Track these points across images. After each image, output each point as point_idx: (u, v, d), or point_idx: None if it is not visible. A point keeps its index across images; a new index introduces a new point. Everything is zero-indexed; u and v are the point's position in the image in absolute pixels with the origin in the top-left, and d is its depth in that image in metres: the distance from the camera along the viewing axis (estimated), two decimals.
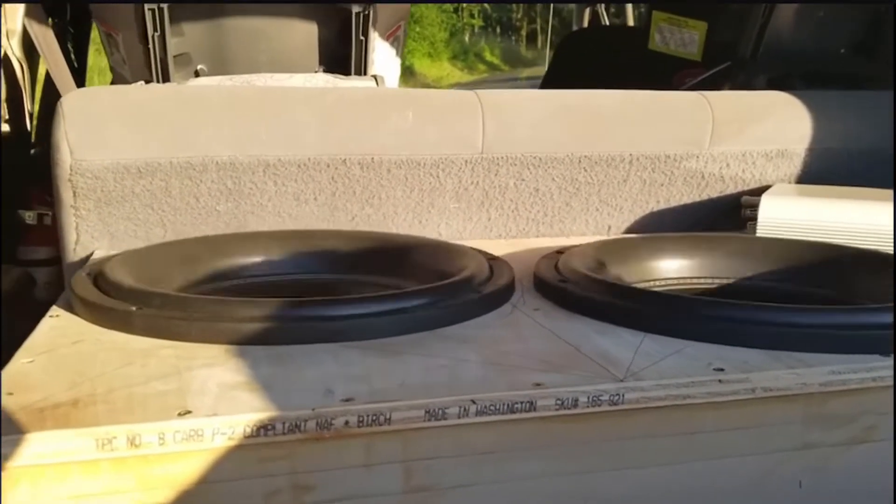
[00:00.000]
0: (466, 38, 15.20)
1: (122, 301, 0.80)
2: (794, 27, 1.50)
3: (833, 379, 0.71)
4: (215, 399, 0.63)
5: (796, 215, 1.20)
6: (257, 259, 1.08)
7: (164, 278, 0.96)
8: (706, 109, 1.34)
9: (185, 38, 1.28)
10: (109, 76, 1.48)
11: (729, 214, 1.38)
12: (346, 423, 0.62)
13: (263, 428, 0.60)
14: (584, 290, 0.87)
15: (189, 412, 0.60)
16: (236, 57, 1.30)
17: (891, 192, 1.28)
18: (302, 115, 1.16)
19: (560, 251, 1.09)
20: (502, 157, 1.25)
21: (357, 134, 1.18)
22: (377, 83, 1.35)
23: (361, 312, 0.78)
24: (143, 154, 1.09)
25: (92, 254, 1.12)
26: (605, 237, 1.34)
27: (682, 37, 1.57)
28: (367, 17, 1.29)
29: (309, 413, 0.61)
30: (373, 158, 1.19)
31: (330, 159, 1.18)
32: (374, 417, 0.62)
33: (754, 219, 1.29)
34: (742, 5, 1.49)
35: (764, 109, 1.38)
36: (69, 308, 0.85)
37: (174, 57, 1.22)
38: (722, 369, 0.70)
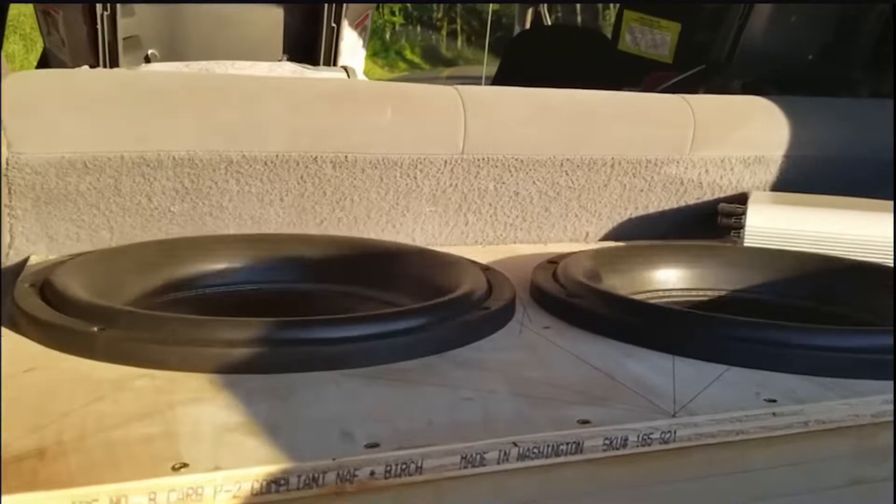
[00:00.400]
0: (387, 36, 15.05)
1: (81, 319, 0.69)
2: (768, 31, 1.48)
3: (884, 409, 0.66)
4: (213, 446, 0.53)
5: (783, 225, 1.16)
6: (222, 266, 0.97)
7: (117, 289, 0.84)
8: (688, 113, 1.29)
9: (135, 18, 1.14)
10: (26, 66, 1.32)
11: (704, 222, 1.34)
12: (372, 473, 0.52)
13: (275, 483, 0.50)
14: (603, 308, 0.79)
15: (185, 465, 0.50)
16: (192, 42, 1.18)
17: (873, 201, 1.27)
18: (271, 107, 1.05)
19: (552, 261, 1.02)
20: (483, 159, 1.16)
21: (331, 130, 1.08)
22: (348, 75, 1.25)
23: (364, 334, 0.69)
24: (91, 148, 0.96)
25: (27, 259, 0.98)
26: (582, 245, 1.28)
27: (653, 38, 1.52)
28: (339, 4, 1.19)
29: (329, 463, 0.52)
30: (346, 157, 1.09)
31: (300, 157, 1.07)
32: (405, 466, 0.53)
33: (736, 227, 1.25)
34: (719, 6, 1.46)
35: (744, 115, 1.34)
36: (13, 326, 0.73)
37: (123, 39, 1.09)
38: (774, 400, 0.64)
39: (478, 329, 0.76)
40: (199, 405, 0.58)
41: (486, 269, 0.96)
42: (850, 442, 0.66)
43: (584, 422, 0.58)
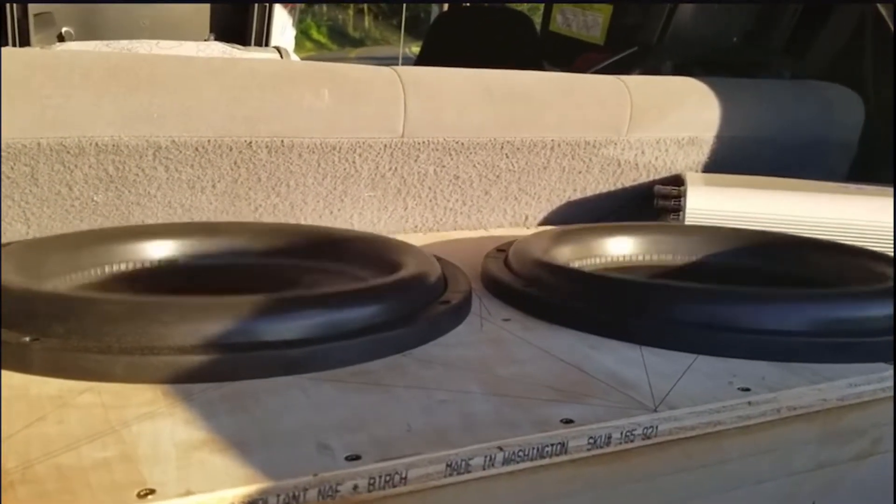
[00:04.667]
0: None
1: (11, 329, 0.62)
2: (697, 14, 1.49)
3: (849, 392, 0.66)
4: (179, 468, 0.48)
5: (722, 206, 1.17)
6: (157, 256, 0.91)
7: (46, 282, 0.78)
8: (625, 95, 1.28)
9: None
10: None
11: (640, 203, 1.35)
12: (356, 487, 0.49)
13: None
14: (563, 299, 0.78)
15: (152, 491, 0.45)
16: (111, 20, 1.09)
17: (804, 181, 1.30)
18: (203, 90, 0.98)
19: (501, 248, 1.00)
20: (423, 142, 1.13)
21: (266, 114, 1.02)
22: (281, 55, 1.19)
23: (326, 335, 0.65)
24: (4, 133, 0.88)
25: None
26: (523, 230, 1.27)
27: (584, 19, 1.51)
28: None
29: (309, 480, 0.48)
30: (283, 141, 1.04)
31: (234, 142, 1.01)
32: (389, 478, 0.50)
33: (675, 210, 1.26)
34: None
35: (679, 95, 1.35)
36: None
37: (34, 16, 1.00)
38: (748, 389, 0.63)
39: (440, 325, 0.73)
40: (156, 421, 0.54)
41: (437, 259, 0.93)
42: (818, 426, 0.66)
43: (568, 421, 0.56)
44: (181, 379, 0.59)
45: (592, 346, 0.72)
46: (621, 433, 0.57)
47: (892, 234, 1.11)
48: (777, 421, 0.63)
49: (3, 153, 0.89)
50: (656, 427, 0.58)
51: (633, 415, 0.57)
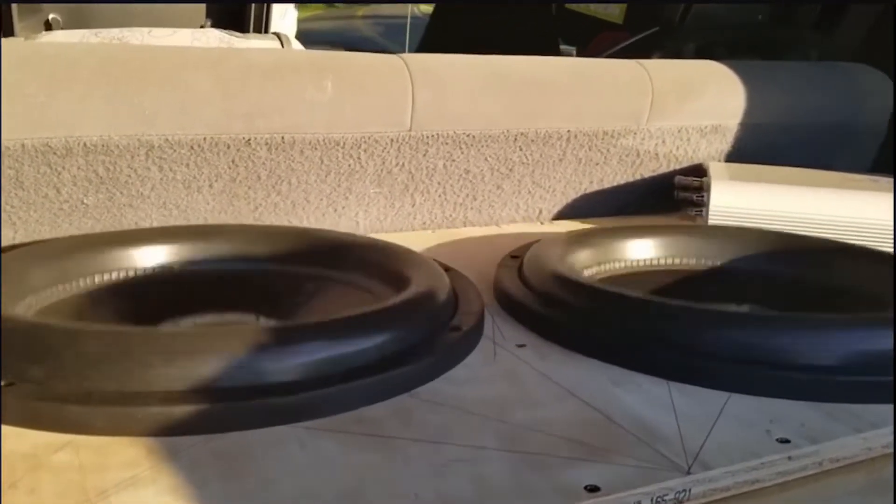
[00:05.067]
0: None
1: None
2: None
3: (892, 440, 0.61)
4: None
5: (749, 204, 1.11)
6: (143, 264, 0.85)
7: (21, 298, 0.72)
8: (646, 81, 1.21)
9: None
10: None
11: (660, 195, 1.28)
12: None
13: None
14: (582, 327, 0.72)
15: None
16: (101, 5, 1.02)
17: (837, 175, 1.23)
18: (198, 84, 0.92)
19: (514, 255, 0.94)
20: (433, 136, 1.07)
21: (265, 109, 0.96)
22: (282, 43, 1.12)
23: (326, 376, 0.60)
24: None
25: None
26: (536, 225, 1.21)
27: None
28: None
29: None
30: (283, 138, 0.98)
31: (231, 140, 0.95)
32: None
33: (695, 203, 1.20)
34: None
35: (701, 81, 1.27)
36: None
37: (18, 2, 0.93)
38: (788, 440, 0.58)
39: (450, 356, 0.68)
40: (138, 489, 0.49)
41: (445, 269, 0.87)
42: (862, 476, 0.61)
43: (593, 489, 0.51)
44: (167, 431, 0.54)
45: (616, 381, 0.66)
46: (652, 500, 0.52)
47: None
48: (819, 474, 0.58)
49: None
50: (689, 490, 0.53)
51: (664, 477, 0.52)
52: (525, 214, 1.22)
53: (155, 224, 0.97)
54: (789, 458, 0.56)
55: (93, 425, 0.54)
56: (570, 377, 0.67)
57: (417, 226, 1.14)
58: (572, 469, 0.53)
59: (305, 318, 0.76)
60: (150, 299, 0.80)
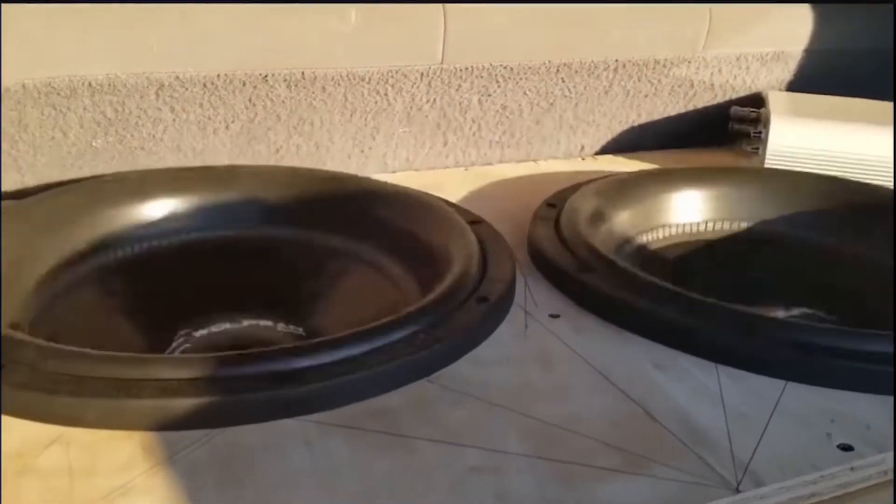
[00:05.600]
0: None
1: None
2: None
3: None
4: None
5: (813, 144, 1.01)
6: (153, 214, 0.80)
7: (25, 263, 0.68)
8: (703, 3, 1.10)
9: None
10: None
11: (713, 127, 1.19)
12: None
13: None
14: (624, 295, 0.65)
15: None
16: None
17: None
18: (209, 17, 0.85)
19: (551, 203, 0.87)
20: (466, 69, 0.98)
21: (283, 42, 0.88)
22: None
23: (337, 361, 0.54)
24: None
25: None
26: (577, 161, 1.13)
27: None
28: None
29: None
30: (303, 74, 0.90)
31: (246, 76, 0.88)
32: None
33: (749, 136, 1.11)
34: None
35: (765, 3, 1.15)
36: None
37: None
38: (850, 447, 0.52)
39: (476, 332, 0.62)
40: (130, 497, 0.45)
41: (475, 221, 0.81)
42: None
43: None
44: (163, 426, 0.50)
45: (658, 364, 0.60)
46: None
47: None
48: (883, 483, 0.52)
49: None
50: None
51: (710, 496, 0.47)
52: (566, 150, 1.13)
53: (170, 167, 0.91)
54: (852, 468, 0.50)
55: (85, 418, 0.50)
56: (608, 358, 0.61)
57: (451, 164, 1.07)
58: (605, 484, 0.47)
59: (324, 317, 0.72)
60: (157, 298, 0.75)
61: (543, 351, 0.62)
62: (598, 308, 0.67)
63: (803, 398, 0.56)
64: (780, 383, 0.58)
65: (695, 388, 0.57)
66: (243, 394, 0.51)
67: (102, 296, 0.73)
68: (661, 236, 0.84)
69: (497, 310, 0.65)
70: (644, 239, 0.85)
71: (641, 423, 0.53)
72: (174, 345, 0.74)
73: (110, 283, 0.74)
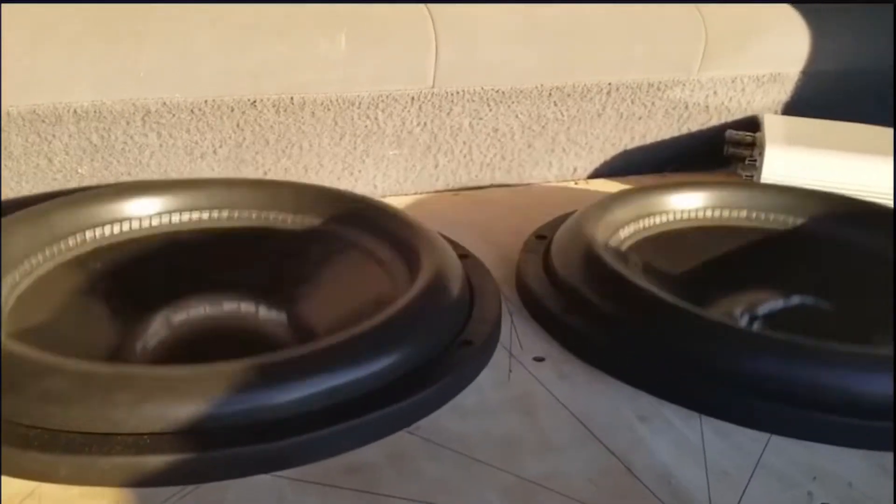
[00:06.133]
0: None
1: None
2: None
3: None
4: None
5: (807, 174, 1.00)
6: (134, 207, 0.78)
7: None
8: (699, 25, 1.09)
9: None
10: None
11: (708, 150, 1.18)
12: None
13: None
14: (606, 340, 0.65)
15: None
16: None
17: None
18: (197, 40, 0.84)
19: (541, 235, 0.86)
20: (457, 93, 0.97)
21: (272, 68, 0.87)
22: None
23: (309, 413, 0.54)
24: None
25: None
26: (570, 184, 1.12)
27: None
28: None
29: None
30: (292, 99, 0.90)
31: (235, 101, 0.87)
32: None
33: (744, 159, 1.10)
34: None
35: (763, 24, 1.14)
36: None
37: None
38: None
39: (459, 379, 0.61)
40: None
41: (463, 255, 0.80)
42: None
43: None
44: (136, 483, 0.49)
45: (642, 415, 0.59)
46: None
47: None
48: None
49: None
50: None
51: None
52: (558, 173, 1.13)
53: None
54: None
55: (56, 474, 0.49)
56: (591, 408, 0.60)
57: (441, 187, 1.06)
58: None
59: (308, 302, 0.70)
60: (139, 274, 0.73)
61: (526, 398, 0.61)
62: (582, 352, 0.67)
63: (786, 453, 0.56)
64: (764, 436, 0.57)
65: (677, 442, 0.56)
66: (216, 450, 0.50)
67: (78, 281, 0.71)
68: (655, 224, 0.83)
69: (481, 353, 0.64)
70: (639, 227, 0.84)
71: (621, 480, 0.53)
72: (150, 331, 0.72)
73: (85, 269, 0.72)
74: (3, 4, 0.78)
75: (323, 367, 0.55)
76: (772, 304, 0.78)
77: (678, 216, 0.87)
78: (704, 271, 0.82)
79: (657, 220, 0.86)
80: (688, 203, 0.87)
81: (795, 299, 0.81)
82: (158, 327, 0.71)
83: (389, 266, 0.72)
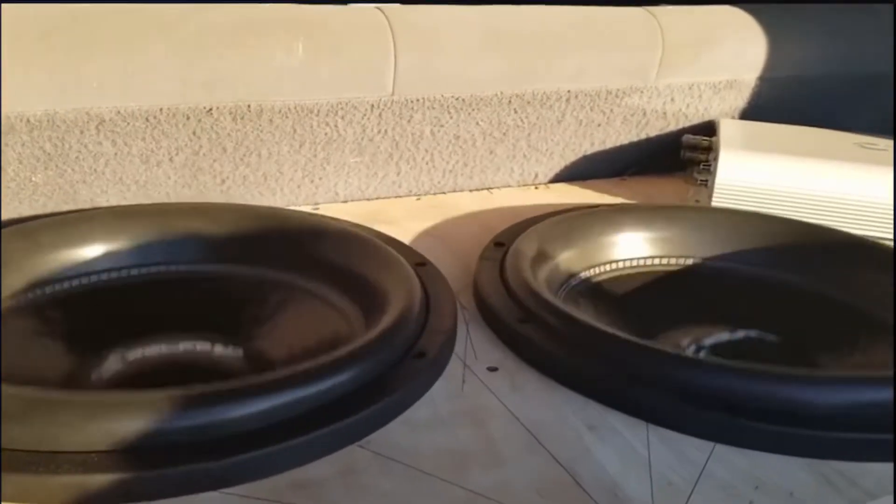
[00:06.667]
0: None
1: None
2: None
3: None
4: None
5: (760, 180, 1.02)
6: (90, 254, 0.78)
7: None
8: (656, 33, 1.11)
9: None
10: None
11: (666, 155, 1.19)
12: None
13: None
14: (557, 349, 0.66)
15: None
16: None
17: (862, 141, 1.13)
18: (151, 48, 0.83)
19: (499, 242, 0.87)
20: (417, 101, 0.98)
21: (227, 75, 0.87)
22: None
23: (258, 428, 0.54)
24: None
25: None
26: (531, 190, 1.13)
27: None
28: None
29: None
30: (249, 106, 0.89)
31: (190, 110, 0.87)
32: None
33: (700, 163, 1.11)
34: None
35: (719, 31, 1.16)
36: None
37: None
38: None
39: (412, 391, 0.62)
40: None
41: (420, 263, 0.80)
42: None
43: None
44: (83, 501, 0.49)
45: (591, 423, 0.60)
46: None
47: None
48: None
49: None
50: None
51: None
52: (520, 178, 1.13)
53: (112, 201, 0.90)
54: None
55: (5, 494, 0.49)
56: (541, 417, 0.61)
57: (403, 193, 1.06)
58: None
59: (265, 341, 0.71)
60: (89, 319, 0.74)
61: (478, 410, 0.61)
62: (534, 361, 0.67)
63: (730, 462, 0.57)
64: (708, 445, 0.58)
65: (623, 452, 0.57)
66: (164, 468, 0.50)
67: (36, 325, 0.71)
68: (606, 271, 0.85)
69: (435, 365, 0.65)
70: (589, 274, 0.85)
71: (568, 491, 0.53)
72: (105, 365, 0.72)
73: (45, 315, 0.72)
74: (3, 4, 0.77)
75: (270, 386, 0.55)
76: (718, 336, 0.80)
77: (625, 264, 0.88)
78: (653, 304, 0.83)
79: (605, 268, 0.86)
80: (634, 252, 0.88)
81: (741, 332, 0.83)
82: (113, 363, 0.71)
83: (346, 312, 0.72)
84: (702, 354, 0.77)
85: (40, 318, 0.71)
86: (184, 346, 0.73)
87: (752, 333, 0.81)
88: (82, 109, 0.82)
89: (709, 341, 0.79)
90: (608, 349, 0.64)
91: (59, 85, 0.80)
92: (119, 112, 0.84)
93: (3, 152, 0.82)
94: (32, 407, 0.51)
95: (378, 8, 0.97)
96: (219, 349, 0.73)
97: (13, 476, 0.49)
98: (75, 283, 0.76)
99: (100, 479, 0.49)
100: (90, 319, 0.72)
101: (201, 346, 0.73)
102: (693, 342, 0.79)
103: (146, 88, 0.84)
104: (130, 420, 0.51)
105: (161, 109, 0.85)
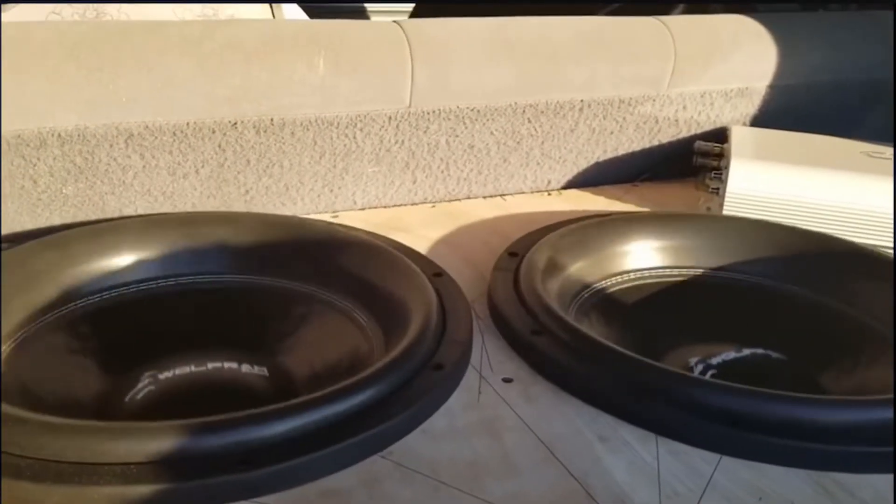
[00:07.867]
0: None
1: None
2: None
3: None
4: None
5: (771, 189, 1.04)
6: (121, 264, 0.81)
7: None
8: (668, 42, 1.13)
9: None
10: None
11: (678, 161, 1.21)
12: None
13: None
14: (570, 361, 0.68)
15: None
16: None
17: (875, 150, 1.15)
18: (177, 65, 0.86)
19: (513, 252, 0.90)
20: (434, 112, 1.00)
21: (252, 91, 0.90)
22: (273, 13, 1.04)
23: (283, 440, 0.57)
24: None
25: None
26: (544, 196, 1.15)
27: None
28: None
29: None
30: (272, 120, 0.92)
31: (216, 123, 0.90)
32: None
33: (712, 169, 1.13)
34: None
35: (730, 40, 1.18)
36: None
37: None
38: None
39: (431, 402, 0.65)
40: None
41: (437, 274, 0.83)
42: None
43: None
44: None
45: (602, 435, 0.63)
46: None
47: None
48: None
49: None
50: None
51: None
52: (533, 185, 1.16)
53: (140, 212, 0.93)
54: None
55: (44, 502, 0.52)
56: (555, 429, 0.64)
57: (419, 200, 1.09)
58: None
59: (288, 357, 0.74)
60: (120, 334, 0.77)
61: (494, 421, 0.64)
62: (547, 373, 0.70)
63: (736, 472, 0.60)
64: (715, 457, 0.61)
65: (633, 463, 0.60)
66: (200, 478, 0.53)
67: (70, 342, 0.74)
68: (618, 282, 0.87)
69: (452, 377, 0.68)
70: (601, 285, 0.88)
71: (580, 501, 0.56)
72: (138, 386, 0.76)
73: (78, 330, 0.76)
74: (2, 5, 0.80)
75: (301, 407, 0.58)
76: (725, 354, 0.82)
77: (636, 275, 0.90)
78: (663, 317, 0.86)
79: (617, 279, 0.89)
80: (646, 262, 0.90)
81: (747, 350, 0.85)
82: (145, 383, 0.74)
83: (365, 327, 0.75)
84: (710, 372, 0.80)
85: (73, 335, 0.74)
86: (212, 365, 0.76)
87: (759, 350, 0.83)
88: (112, 124, 0.85)
89: (716, 360, 0.82)
90: (618, 365, 0.67)
91: (89, 101, 0.83)
92: (147, 126, 0.87)
93: (36, 167, 0.85)
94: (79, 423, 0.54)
95: (396, 22, 0.99)
96: (245, 368, 0.76)
97: (58, 487, 0.52)
98: (105, 295, 0.79)
99: (139, 490, 0.52)
100: (122, 335, 0.76)
101: (228, 365, 0.76)
102: (701, 359, 0.81)
103: (173, 104, 0.87)
104: (168, 436, 0.54)
105: (188, 124, 0.88)
